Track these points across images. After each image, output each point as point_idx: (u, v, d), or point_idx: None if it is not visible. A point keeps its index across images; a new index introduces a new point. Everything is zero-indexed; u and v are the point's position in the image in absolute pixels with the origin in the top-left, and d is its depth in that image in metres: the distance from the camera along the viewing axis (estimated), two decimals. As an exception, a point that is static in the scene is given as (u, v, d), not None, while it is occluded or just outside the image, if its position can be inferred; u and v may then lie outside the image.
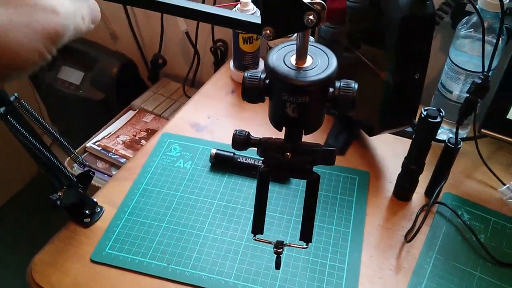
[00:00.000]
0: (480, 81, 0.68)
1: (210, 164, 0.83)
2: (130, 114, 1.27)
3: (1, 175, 1.89)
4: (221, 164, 0.82)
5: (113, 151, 1.13)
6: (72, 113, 1.48)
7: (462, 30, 0.82)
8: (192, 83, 1.38)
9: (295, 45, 0.44)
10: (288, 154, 0.47)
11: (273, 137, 0.50)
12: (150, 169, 0.82)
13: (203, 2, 1.20)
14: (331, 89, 0.44)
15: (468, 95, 0.70)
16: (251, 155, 0.81)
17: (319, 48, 0.45)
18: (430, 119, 0.67)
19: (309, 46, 0.44)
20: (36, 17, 0.36)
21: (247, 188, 0.79)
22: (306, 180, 0.49)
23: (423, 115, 0.68)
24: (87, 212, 0.73)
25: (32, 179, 2.04)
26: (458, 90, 0.84)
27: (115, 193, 0.78)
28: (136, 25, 1.38)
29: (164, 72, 1.46)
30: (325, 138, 0.88)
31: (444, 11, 0.92)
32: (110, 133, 1.20)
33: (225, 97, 1.01)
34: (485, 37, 0.71)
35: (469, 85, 0.71)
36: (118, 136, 1.18)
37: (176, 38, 1.36)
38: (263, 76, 0.45)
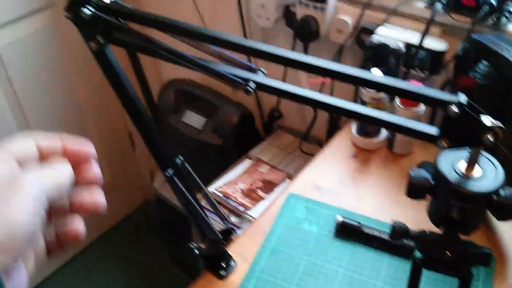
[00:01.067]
0: None
1: (335, 230, 0.86)
2: (247, 163, 1.34)
3: (111, 200, 2.06)
4: (347, 232, 0.85)
5: (233, 199, 1.20)
6: (191, 155, 1.59)
7: None
8: (305, 137, 1.43)
9: (464, 152, 0.47)
10: (448, 253, 0.49)
11: (427, 231, 0.52)
12: (278, 229, 0.86)
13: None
14: (495, 196, 0.46)
15: None
16: (376, 226, 0.84)
17: (487, 158, 0.48)
18: None
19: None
20: None
21: (373, 259, 0.81)
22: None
23: None
24: (223, 264, 0.79)
25: (135, 209, 2.19)
26: None
27: (247, 249, 0.83)
28: (259, 79, 1.46)
29: (278, 124, 1.53)
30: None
31: None
32: (230, 180, 1.27)
33: (347, 161, 1.04)
34: None
35: None
36: (237, 184, 1.26)
37: (295, 94, 1.42)
38: (429, 177, 0.48)
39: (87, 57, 0.56)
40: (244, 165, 1.34)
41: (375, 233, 0.83)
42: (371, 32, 1.06)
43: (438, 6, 0.93)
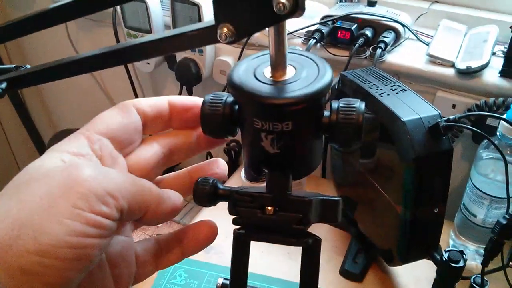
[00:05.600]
0: (505, 222, 0.55)
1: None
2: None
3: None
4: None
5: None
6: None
7: (484, 153, 0.68)
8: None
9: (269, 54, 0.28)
10: (269, 208, 0.29)
11: (252, 186, 0.33)
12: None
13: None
14: (326, 113, 0.28)
15: (493, 235, 0.56)
16: (267, 283, 0.65)
17: (307, 56, 0.30)
18: (452, 264, 0.54)
19: (292, 54, 0.29)
20: None
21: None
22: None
23: (444, 259, 0.54)
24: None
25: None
26: (482, 214, 0.68)
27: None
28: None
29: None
30: (341, 262, 0.73)
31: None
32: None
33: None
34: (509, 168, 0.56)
35: (493, 209, 0.60)
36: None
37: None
38: (230, 99, 0.29)
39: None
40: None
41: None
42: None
43: (312, 42, 0.84)
